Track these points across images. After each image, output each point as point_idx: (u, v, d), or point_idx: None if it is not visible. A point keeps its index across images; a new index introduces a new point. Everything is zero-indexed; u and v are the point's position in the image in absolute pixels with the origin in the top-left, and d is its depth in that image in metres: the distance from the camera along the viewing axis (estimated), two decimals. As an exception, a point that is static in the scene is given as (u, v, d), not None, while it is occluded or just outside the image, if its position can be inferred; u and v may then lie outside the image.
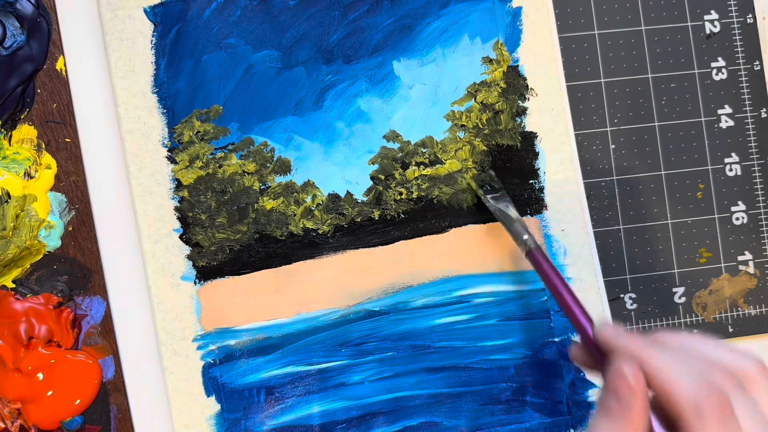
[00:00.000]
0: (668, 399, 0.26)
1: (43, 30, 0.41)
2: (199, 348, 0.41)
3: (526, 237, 0.37)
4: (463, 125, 0.43)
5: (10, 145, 0.41)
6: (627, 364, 0.27)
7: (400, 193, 0.43)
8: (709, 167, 0.45)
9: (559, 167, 0.43)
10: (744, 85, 0.45)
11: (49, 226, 0.41)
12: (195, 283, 0.42)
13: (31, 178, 0.41)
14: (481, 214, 0.43)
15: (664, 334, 0.30)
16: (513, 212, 0.39)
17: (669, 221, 0.45)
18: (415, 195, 0.43)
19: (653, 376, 0.27)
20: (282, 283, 0.42)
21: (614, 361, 0.28)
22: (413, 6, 0.43)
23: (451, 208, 0.43)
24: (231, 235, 0.42)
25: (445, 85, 0.43)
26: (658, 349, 0.28)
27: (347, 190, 0.43)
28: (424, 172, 0.43)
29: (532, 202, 0.43)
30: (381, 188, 0.43)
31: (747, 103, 0.45)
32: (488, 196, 0.41)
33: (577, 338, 0.36)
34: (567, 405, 0.43)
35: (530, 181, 0.43)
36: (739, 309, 0.45)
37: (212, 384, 0.41)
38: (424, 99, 0.43)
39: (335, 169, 0.43)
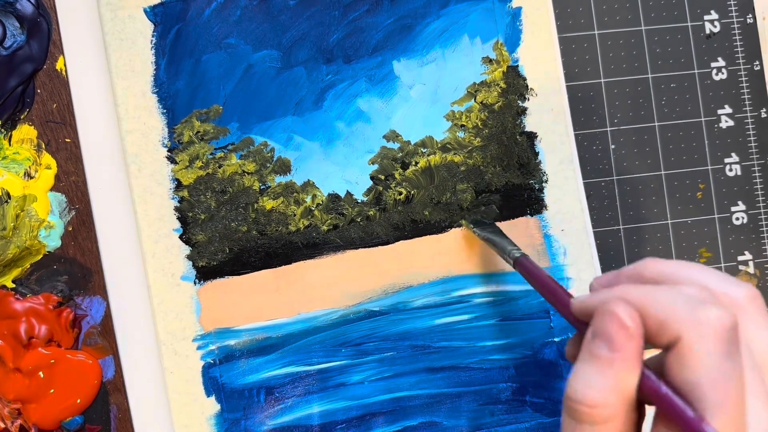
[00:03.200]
0: (661, 325, 0.23)
1: (43, 30, 0.41)
2: (199, 348, 0.41)
3: (510, 248, 0.37)
4: (463, 125, 0.43)
5: (10, 145, 0.41)
6: (616, 303, 0.24)
7: (400, 193, 0.43)
8: (709, 167, 0.45)
9: (559, 167, 0.43)
10: (744, 85, 0.45)
11: (49, 226, 0.41)
12: (195, 283, 0.42)
13: (31, 178, 0.41)
14: (481, 214, 0.43)
15: (646, 265, 0.26)
16: (498, 238, 0.39)
17: (669, 221, 0.45)
18: (404, 194, 0.43)
19: (643, 304, 0.23)
20: (282, 283, 0.42)
21: (600, 309, 0.24)
22: (413, 6, 0.43)
23: (452, 207, 0.43)
24: (231, 235, 0.42)
25: (445, 85, 0.43)
26: (640, 284, 0.25)
27: (347, 190, 0.43)
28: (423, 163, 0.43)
29: (532, 202, 0.43)
30: (381, 188, 0.43)
31: (747, 103, 0.45)
32: (476, 230, 0.41)
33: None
34: (567, 405, 0.43)
35: (530, 181, 0.43)
36: (739, 309, 0.45)
37: (212, 384, 0.41)
38: (424, 99, 0.43)
39: (335, 169, 0.43)
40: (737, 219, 0.45)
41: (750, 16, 0.45)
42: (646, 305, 0.23)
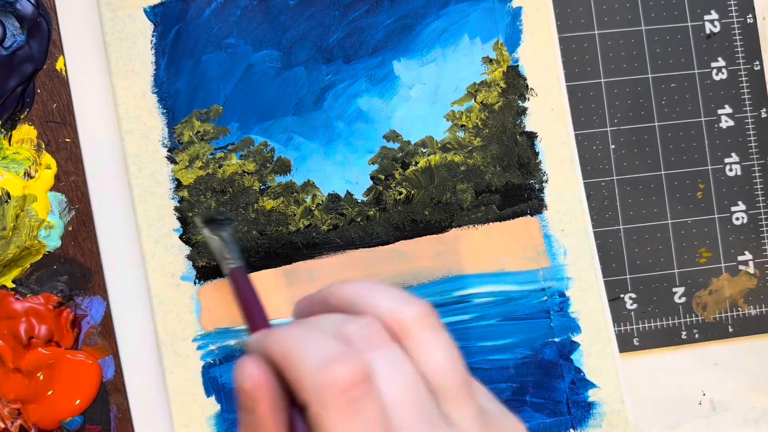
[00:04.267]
0: (294, 386, 0.21)
1: (43, 30, 0.41)
2: (199, 348, 0.41)
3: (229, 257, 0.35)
4: (463, 125, 0.43)
5: (10, 145, 0.41)
6: (244, 361, 0.22)
7: (400, 193, 0.43)
8: (709, 167, 0.45)
9: (559, 167, 0.43)
10: (744, 85, 0.45)
11: (49, 226, 0.41)
12: (195, 283, 0.42)
13: (31, 178, 0.41)
14: (481, 214, 0.43)
15: (331, 290, 0.24)
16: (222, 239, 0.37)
17: (669, 221, 0.45)
18: (404, 194, 0.43)
19: (278, 362, 0.21)
20: (282, 283, 0.42)
21: (237, 365, 0.23)
22: (413, 6, 0.43)
23: (452, 207, 0.43)
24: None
25: (445, 85, 0.43)
26: (291, 326, 0.23)
27: (347, 190, 0.43)
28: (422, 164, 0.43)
29: (532, 202, 0.43)
30: (381, 188, 0.43)
31: (747, 103, 0.45)
32: (205, 228, 0.38)
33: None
34: (567, 405, 0.43)
35: (530, 182, 0.43)
36: (739, 309, 0.45)
37: (212, 384, 0.41)
38: (424, 99, 0.43)
39: (335, 169, 0.43)
40: (737, 219, 0.45)
41: (750, 16, 0.45)
42: (286, 361, 0.21)
